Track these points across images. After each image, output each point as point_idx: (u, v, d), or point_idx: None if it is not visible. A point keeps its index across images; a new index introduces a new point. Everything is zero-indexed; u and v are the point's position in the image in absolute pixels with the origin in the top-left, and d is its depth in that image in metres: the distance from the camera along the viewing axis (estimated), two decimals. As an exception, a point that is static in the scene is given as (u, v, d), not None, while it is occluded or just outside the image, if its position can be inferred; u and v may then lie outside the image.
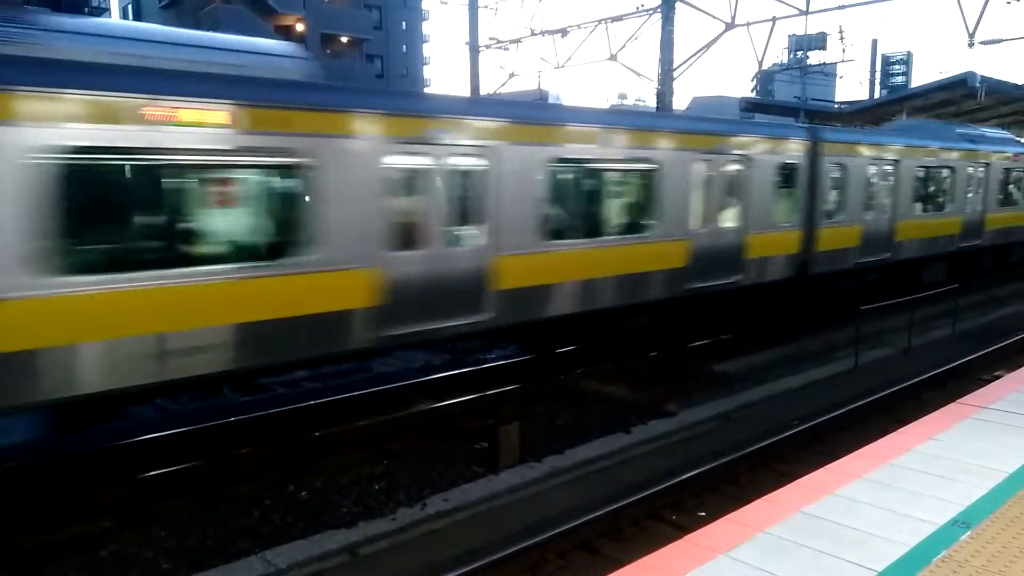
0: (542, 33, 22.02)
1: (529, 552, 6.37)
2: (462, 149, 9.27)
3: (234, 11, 40.59)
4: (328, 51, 45.48)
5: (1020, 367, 9.16)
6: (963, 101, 22.93)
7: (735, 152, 12.95)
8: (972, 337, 15.14)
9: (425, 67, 57.93)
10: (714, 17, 19.42)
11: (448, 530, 7.15)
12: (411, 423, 9.83)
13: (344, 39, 46.76)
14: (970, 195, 19.59)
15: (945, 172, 18.48)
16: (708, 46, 19.57)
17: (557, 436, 9.50)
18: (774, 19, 19.11)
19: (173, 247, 7.34)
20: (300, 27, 44.15)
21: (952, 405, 7.40)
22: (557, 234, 10.41)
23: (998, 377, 9.21)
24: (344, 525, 7.11)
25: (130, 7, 47.18)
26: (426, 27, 58.11)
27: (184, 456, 8.38)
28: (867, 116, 24.78)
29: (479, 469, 8.46)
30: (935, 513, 4.99)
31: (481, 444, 8.90)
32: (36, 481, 7.76)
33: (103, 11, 36.61)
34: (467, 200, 9.49)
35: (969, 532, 4.73)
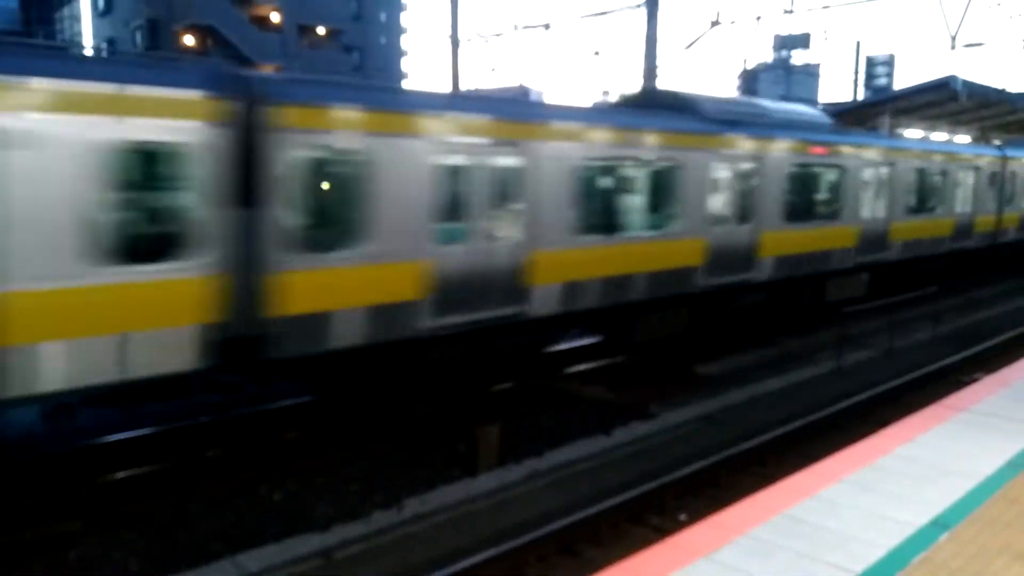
0: (525, 27, 21.94)
1: (508, 556, 6.29)
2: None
3: (209, 0, 39.99)
4: (304, 42, 44.97)
5: (999, 370, 9.21)
6: (945, 104, 23.12)
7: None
8: (952, 340, 15.25)
9: (403, 60, 57.42)
10: (699, 14, 19.43)
11: (425, 533, 7.05)
12: (388, 424, 9.71)
13: (321, 30, 46.24)
14: None
15: None
16: (693, 43, 19.60)
17: (537, 438, 9.42)
18: (759, 18, 19.16)
19: None
20: (276, 17, 43.63)
21: (932, 407, 7.41)
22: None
23: (977, 379, 9.24)
24: (318, 528, 7.00)
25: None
26: (404, 19, 57.48)
27: (154, 458, 8.22)
28: (851, 117, 24.94)
29: (457, 471, 8.37)
30: (915, 514, 4.99)
31: (459, 446, 8.80)
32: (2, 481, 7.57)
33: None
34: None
35: (948, 533, 4.74)
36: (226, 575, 6.20)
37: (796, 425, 9.54)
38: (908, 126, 25.87)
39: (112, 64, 7.53)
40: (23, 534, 6.75)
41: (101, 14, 46.82)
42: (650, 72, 18.58)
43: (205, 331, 7.09)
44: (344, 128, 7.94)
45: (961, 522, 4.88)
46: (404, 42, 57.40)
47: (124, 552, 6.67)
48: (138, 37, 42.95)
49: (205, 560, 6.44)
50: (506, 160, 9.59)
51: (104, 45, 45.42)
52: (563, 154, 10.11)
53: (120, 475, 7.88)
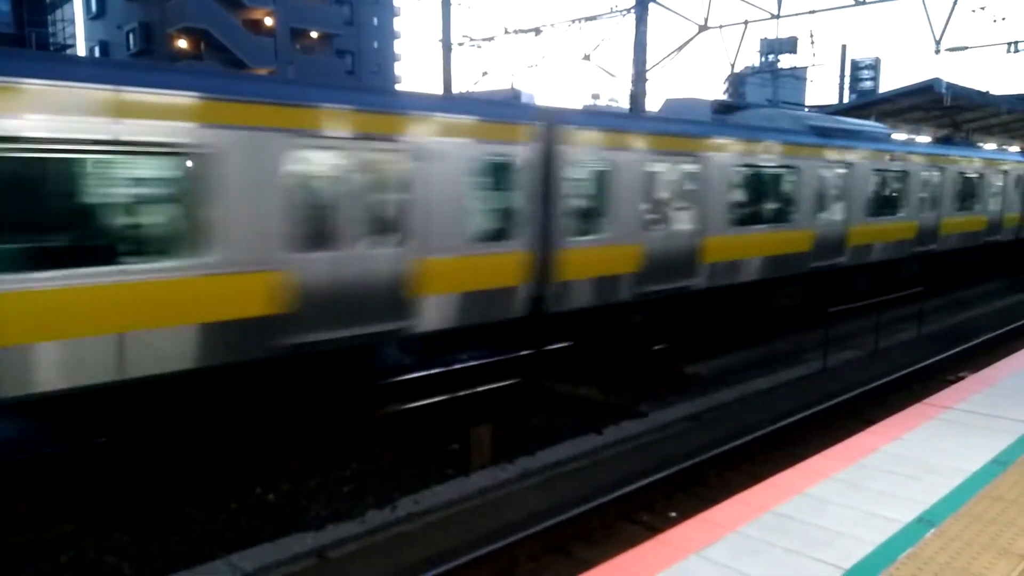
0: (516, 32, 21.99)
1: (500, 554, 6.33)
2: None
3: (203, 4, 39.91)
4: (298, 46, 44.89)
5: (983, 368, 9.31)
6: (930, 107, 23.35)
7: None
8: (937, 339, 15.41)
9: (396, 64, 57.54)
10: (687, 19, 19.57)
11: (418, 532, 7.08)
12: (381, 425, 9.72)
13: (314, 34, 46.25)
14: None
15: None
16: (681, 48, 19.71)
17: (529, 438, 9.47)
18: (746, 22, 19.29)
19: None
20: (269, 21, 43.58)
21: (918, 406, 7.49)
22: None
23: (962, 378, 9.35)
24: (312, 528, 7.02)
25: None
26: (397, 23, 57.64)
27: (148, 459, 8.20)
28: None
29: (450, 471, 8.40)
30: (901, 511, 5.04)
31: (452, 446, 8.83)
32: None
33: (65, 1, 35.77)
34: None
35: (934, 530, 4.78)
36: (220, 575, 6.20)
37: (784, 424, 9.63)
38: (894, 128, 26.11)
39: None
40: (16, 538, 6.73)
41: (93, 17, 46.49)
42: (639, 76, 18.68)
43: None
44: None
45: (947, 519, 4.93)
46: (397, 46, 57.50)
47: (118, 555, 6.65)
48: (131, 40, 42.68)
49: (200, 561, 6.45)
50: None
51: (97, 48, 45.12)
52: None
53: (113, 476, 7.85)
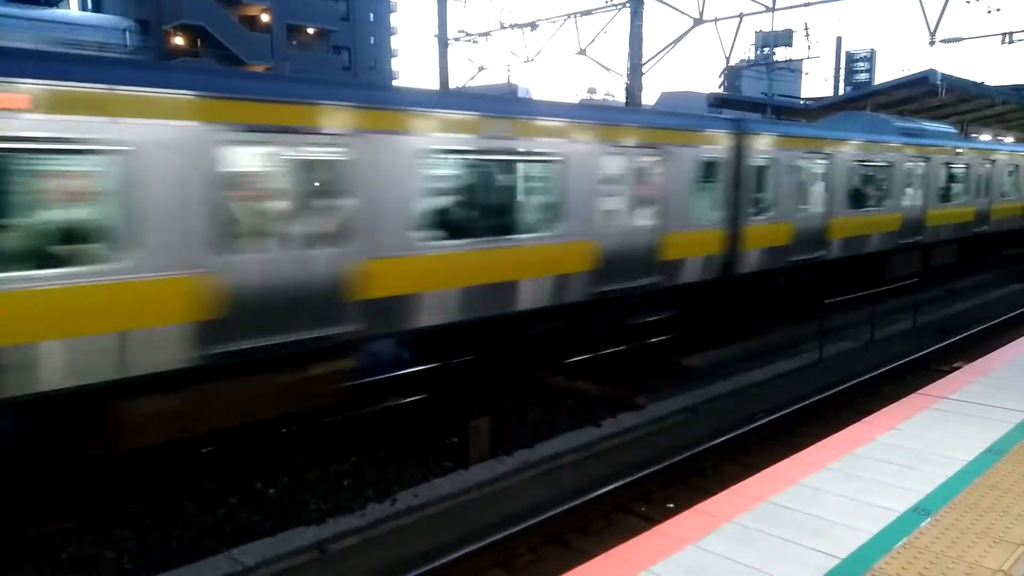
0: (511, 26, 21.96)
1: (499, 546, 6.37)
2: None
3: (199, 1, 39.74)
4: (294, 42, 44.81)
5: (977, 359, 9.36)
6: (924, 98, 23.37)
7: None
8: (932, 330, 15.47)
9: (393, 59, 57.51)
10: (683, 13, 19.60)
11: (418, 525, 7.12)
12: (380, 419, 9.75)
13: (310, 30, 46.16)
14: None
15: None
16: (676, 41, 19.71)
17: (527, 430, 9.51)
18: (741, 15, 19.30)
19: None
20: (265, 18, 43.48)
21: (912, 396, 7.53)
22: None
23: (956, 368, 9.40)
24: (312, 522, 7.06)
25: (88, -6, 45.97)
26: (394, 19, 57.60)
27: (147, 454, 8.21)
28: (832, 112, 25.17)
29: (449, 464, 8.44)
30: (896, 501, 5.07)
31: (451, 439, 8.87)
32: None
33: (60, -1, 35.63)
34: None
35: (929, 519, 4.81)
36: (221, 570, 6.23)
37: (780, 415, 9.67)
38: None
39: None
40: (15, 535, 6.75)
41: (89, 15, 46.28)
42: (634, 70, 18.68)
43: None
44: None
45: (942, 508, 4.96)
46: (393, 42, 57.40)
47: (117, 551, 6.68)
48: (127, 38, 42.45)
49: (200, 556, 6.47)
50: None
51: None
52: None
53: (112, 472, 7.87)
